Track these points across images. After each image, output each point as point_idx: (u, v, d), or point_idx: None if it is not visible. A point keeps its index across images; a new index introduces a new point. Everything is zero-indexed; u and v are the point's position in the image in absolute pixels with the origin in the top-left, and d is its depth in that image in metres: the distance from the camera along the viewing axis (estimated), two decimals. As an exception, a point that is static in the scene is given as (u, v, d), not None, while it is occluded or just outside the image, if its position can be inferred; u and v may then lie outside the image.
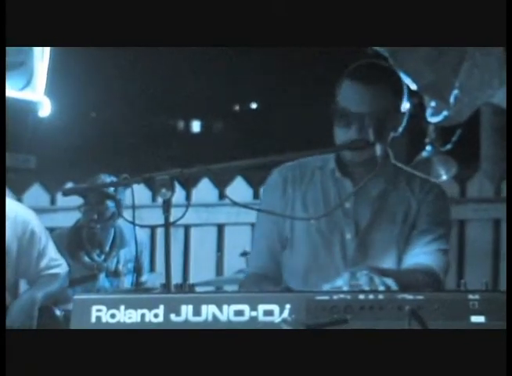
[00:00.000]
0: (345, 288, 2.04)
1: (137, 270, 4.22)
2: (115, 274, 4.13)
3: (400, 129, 2.44)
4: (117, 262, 4.16)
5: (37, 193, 5.78)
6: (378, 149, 2.31)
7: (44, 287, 3.11)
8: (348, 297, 1.82)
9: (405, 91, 2.43)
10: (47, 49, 5.46)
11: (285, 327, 1.77)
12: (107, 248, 4.17)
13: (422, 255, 2.38)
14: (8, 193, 5.66)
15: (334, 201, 2.40)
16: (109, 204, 4.07)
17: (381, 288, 2.03)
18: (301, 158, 2.46)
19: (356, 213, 2.40)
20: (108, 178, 4.05)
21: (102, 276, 4.10)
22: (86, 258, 4.10)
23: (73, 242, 4.11)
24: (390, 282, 2.07)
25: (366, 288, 2.03)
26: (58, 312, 3.17)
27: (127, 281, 4.16)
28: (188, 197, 5.49)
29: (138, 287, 4.11)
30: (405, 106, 2.41)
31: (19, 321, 2.97)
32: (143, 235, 4.58)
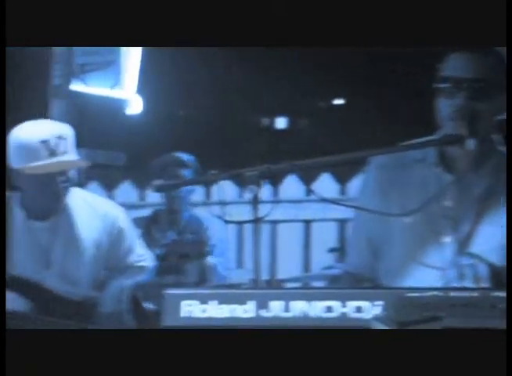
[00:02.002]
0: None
1: (206, 255, 4.25)
2: (187, 257, 4.18)
3: (504, 112, 2.28)
4: (189, 244, 4.22)
5: (127, 189, 5.90)
6: (470, 143, 2.23)
7: (131, 275, 3.18)
8: (440, 294, 1.79)
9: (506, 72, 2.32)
10: (137, 49, 5.56)
11: (376, 324, 1.75)
12: (181, 228, 4.27)
13: None
14: (99, 189, 5.80)
15: (433, 199, 2.24)
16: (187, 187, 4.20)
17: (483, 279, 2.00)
18: (387, 154, 2.39)
19: (457, 214, 2.24)
20: (182, 156, 4.21)
21: (174, 256, 4.17)
22: (159, 235, 4.22)
23: (150, 224, 4.24)
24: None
25: (470, 279, 2.00)
26: (148, 307, 3.21)
27: (199, 265, 4.19)
28: (275, 193, 5.50)
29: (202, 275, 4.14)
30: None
31: (110, 306, 3.04)
32: (217, 224, 4.58)
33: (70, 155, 2.98)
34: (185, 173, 4.23)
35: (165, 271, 3.99)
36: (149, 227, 4.25)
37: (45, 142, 2.92)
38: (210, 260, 4.18)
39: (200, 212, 4.38)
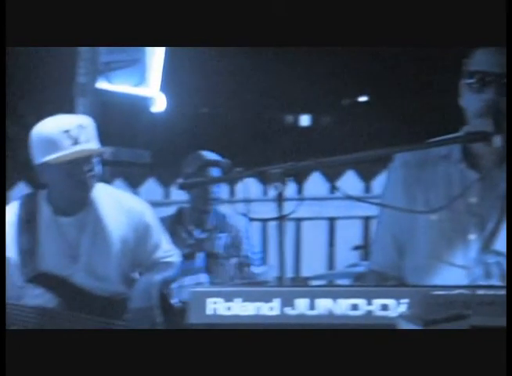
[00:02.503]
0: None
1: (239, 257, 4.23)
2: (214, 256, 4.17)
3: None
4: (218, 244, 4.21)
5: (152, 186, 5.91)
6: (498, 140, 2.20)
7: (160, 271, 3.18)
8: (467, 292, 1.78)
9: None
10: (161, 47, 5.57)
11: (401, 322, 1.74)
12: (209, 226, 4.24)
13: None
14: (124, 186, 5.82)
15: (459, 196, 2.21)
16: (216, 187, 4.16)
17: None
18: (411, 151, 2.37)
19: (482, 210, 2.22)
20: (208, 155, 4.17)
21: (201, 255, 4.15)
22: (185, 235, 4.19)
23: (175, 222, 4.22)
24: None
25: (497, 277, 1.98)
26: (174, 303, 3.22)
27: (228, 266, 4.18)
28: (299, 190, 5.49)
29: (241, 273, 4.13)
30: None
31: (140, 303, 3.05)
32: (242, 223, 4.58)
33: (92, 143, 3.01)
34: (216, 173, 4.19)
35: (193, 270, 4.00)
36: (174, 226, 4.23)
37: (67, 131, 2.95)
38: (239, 259, 4.18)
39: (225, 210, 4.36)
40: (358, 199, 2.44)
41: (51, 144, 2.95)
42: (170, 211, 4.47)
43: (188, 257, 4.07)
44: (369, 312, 1.81)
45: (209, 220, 4.25)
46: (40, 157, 2.99)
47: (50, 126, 2.99)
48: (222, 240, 4.22)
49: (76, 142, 2.96)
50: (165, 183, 5.91)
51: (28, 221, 3.06)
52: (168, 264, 3.24)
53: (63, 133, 2.95)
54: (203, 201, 4.19)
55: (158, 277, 3.12)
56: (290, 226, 5.43)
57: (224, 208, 4.32)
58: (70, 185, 3.00)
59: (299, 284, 1.96)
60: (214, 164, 4.16)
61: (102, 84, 5.36)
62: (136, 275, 3.23)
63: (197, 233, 4.22)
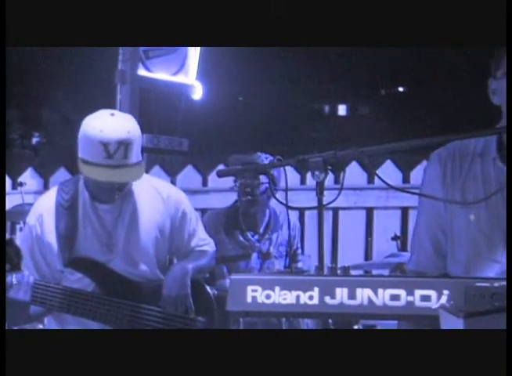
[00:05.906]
0: None
1: (289, 254, 4.23)
2: (266, 256, 4.17)
3: None
4: (269, 244, 4.21)
5: (189, 174, 5.93)
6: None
7: (194, 260, 3.18)
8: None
9: None
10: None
11: (443, 313, 1.73)
12: (261, 230, 4.22)
13: None
14: (163, 174, 5.85)
15: (496, 193, 2.19)
16: (264, 179, 4.11)
17: None
18: (451, 142, 2.31)
19: None
20: (264, 156, 4.10)
21: (254, 256, 4.16)
22: (241, 238, 4.18)
23: (230, 221, 4.19)
24: None
25: None
26: (210, 291, 3.22)
27: (279, 264, 4.18)
28: (337, 179, 5.47)
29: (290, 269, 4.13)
30: None
31: (175, 290, 3.06)
32: (295, 219, 4.59)
33: (129, 160, 2.92)
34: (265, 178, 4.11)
35: (246, 270, 4.00)
36: (229, 229, 4.18)
37: (105, 144, 2.88)
38: (289, 256, 4.17)
39: (275, 206, 4.27)
40: (398, 188, 2.43)
41: (87, 147, 2.93)
42: (208, 198, 4.47)
43: (244, 257, 4.08)
44: (410, 303, 1.80)
45: (263, 221, 4.20)
46: (80, 153, 2.98)
47: (94, 128, 2.92)
48: (275, 239, 4.20)
49: (110, 157, 2.89)
50: (203, 171, 5.93)
51: (68, 206, 3.08)
52: (203, 252, 3.25)
53: (100, 144, 2.89)
54: (257, 205, 4.13)
55: (191, 266, 3.12)
56: (327, 216, 5.42)
57: (275, 205, 4.23)
58: (103, 188, 3.01)
59: (339, 274, 1.95)
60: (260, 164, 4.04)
61: (141, 72, 5.38)
62: (173, 262, 3.24)
63: (251, 235, 4.19)
